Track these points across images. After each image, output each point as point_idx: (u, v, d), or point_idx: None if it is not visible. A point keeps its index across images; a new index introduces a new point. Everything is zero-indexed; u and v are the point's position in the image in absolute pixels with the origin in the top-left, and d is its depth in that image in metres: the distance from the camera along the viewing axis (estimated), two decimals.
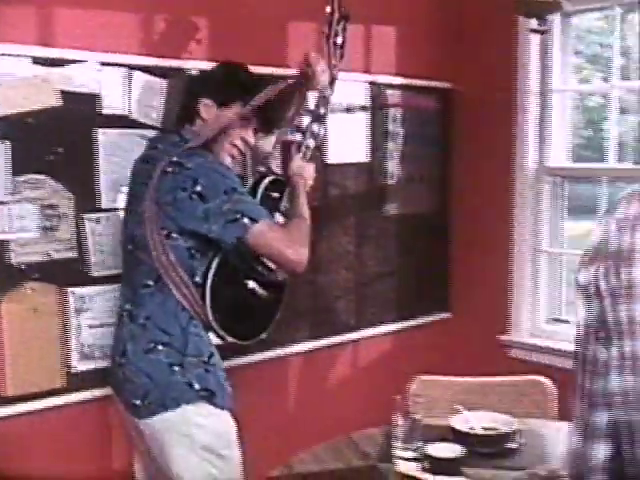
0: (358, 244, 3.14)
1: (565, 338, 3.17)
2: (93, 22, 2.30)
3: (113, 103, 2.34)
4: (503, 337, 3.34)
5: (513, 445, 1.91)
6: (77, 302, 2.32)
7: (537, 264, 3.30)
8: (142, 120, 2.41)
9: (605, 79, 3.15)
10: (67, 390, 2.32)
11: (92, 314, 2.34)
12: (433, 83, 3.34)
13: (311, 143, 2.33)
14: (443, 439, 1.89)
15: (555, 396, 2.28)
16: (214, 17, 2.59)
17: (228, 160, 2.12)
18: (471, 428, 1.96)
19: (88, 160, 2.31)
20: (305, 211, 2.14)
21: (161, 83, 2.44)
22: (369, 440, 2.03)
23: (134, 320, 2.02)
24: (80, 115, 2.28)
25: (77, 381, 2.34)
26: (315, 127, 2.34)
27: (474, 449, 1.85)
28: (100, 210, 2.34)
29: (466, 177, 3.43)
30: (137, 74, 2.39)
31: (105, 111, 2.33)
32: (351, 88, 2.97)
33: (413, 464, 1.81)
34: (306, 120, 2.37)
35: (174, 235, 1.96)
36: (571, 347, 3.40)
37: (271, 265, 2.12)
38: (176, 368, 1.97)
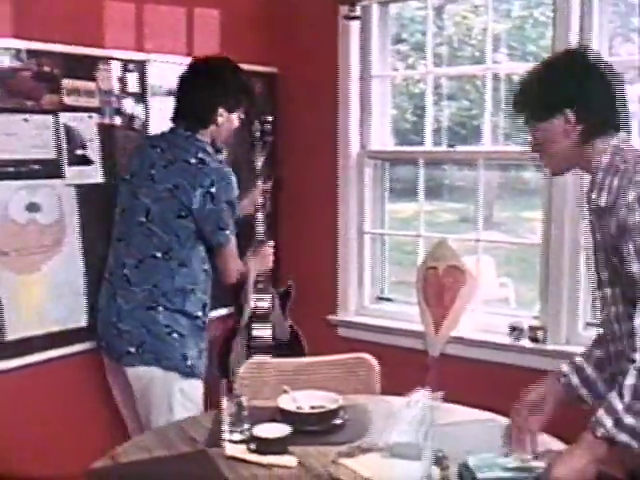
0: None
1: (389, 316, 3.31)
2: None
3: None
4: (332, 317, 3.43)
5: (338, 421, 1.97)
6: None
7: (362, 245, 3.41)
8: None
9: (426, 66, 3.27)
10: None
11: None
12: (259, 67, 3.33)
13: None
14: (272, 420, 1.91)
15: (378, 372, 2.37)
16: None
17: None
18: (298, 407, 2.00)
19: None
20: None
21: None
22: (197, 425, 2.01)
23: (136, 285, 2.38)
24: None
25: None
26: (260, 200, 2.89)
27: (301, 427, 1.89)
28: None
29: (292, 161, 3.46)
30: None
31: None
32: (173, 71, 2.90)
33: (241, 446, 1.82)
34: None
35: (187, 216, 2.35)
36: (394, 324, 3.53)
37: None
38: (175, 335, 2.38)
